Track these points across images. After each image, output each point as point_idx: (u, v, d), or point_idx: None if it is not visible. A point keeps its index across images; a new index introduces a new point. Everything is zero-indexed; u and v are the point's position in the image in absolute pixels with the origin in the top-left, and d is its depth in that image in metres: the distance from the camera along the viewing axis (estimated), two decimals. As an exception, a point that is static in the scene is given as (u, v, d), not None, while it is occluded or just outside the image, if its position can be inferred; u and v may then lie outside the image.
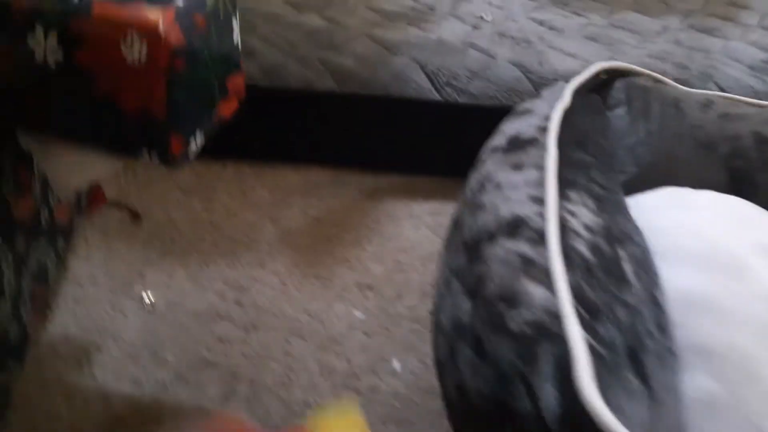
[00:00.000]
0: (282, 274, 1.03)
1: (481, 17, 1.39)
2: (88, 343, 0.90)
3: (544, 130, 0.81)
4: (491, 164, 0.78)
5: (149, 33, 0.59)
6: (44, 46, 0.62)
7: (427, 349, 0.93)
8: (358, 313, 0.97)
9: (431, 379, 0.89)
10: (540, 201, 0.66)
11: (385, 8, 1.41)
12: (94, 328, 0.92)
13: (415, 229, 1.13)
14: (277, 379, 0.87)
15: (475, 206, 0.71)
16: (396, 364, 0.90)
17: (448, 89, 1.17)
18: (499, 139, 0.85)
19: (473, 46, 1.26)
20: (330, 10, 1.39)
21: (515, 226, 0.63)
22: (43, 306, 0.92)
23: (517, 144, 0.80)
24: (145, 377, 0.86)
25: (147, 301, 0.96)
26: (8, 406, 0.80)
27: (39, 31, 0.61)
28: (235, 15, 0.72)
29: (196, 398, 0.84)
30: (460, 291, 0.61)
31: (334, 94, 1.18)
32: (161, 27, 0.59)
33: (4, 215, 0.77)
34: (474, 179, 0.80)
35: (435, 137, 1.21)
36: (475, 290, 0.59)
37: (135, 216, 1.10)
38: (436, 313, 0.69)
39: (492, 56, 1.23)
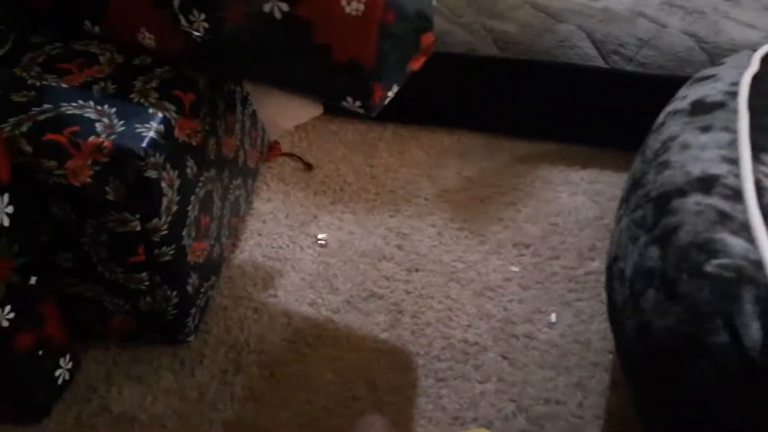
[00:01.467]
0: (439, 226, 1.09)
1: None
2: (271, 269, 1.01)
3: (732, 94, 0.80)
4: (674, 126, 0.78)
5: (368, -15, 0.66)
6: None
7: (583, 307, 0.95)
8: (513, 268, 1.01)
9: (588, 334, 0.92)
10: (732, 161, 0.67)
11: (547, -23, 1.41)
12: (276, 257, 1.03)
13: (571, 195, 1.14)
14: (438, 316, 0.94)
15: (660, 165, 0.72)
16: (552, 317, 0.93)
17: (615, 57, 1.16)
18: (680, 103, 0.84)
19: (642, 14, 1.23)
20: (491, -21, 1.41)
21: (708, 183, 0.64)
22: (236, 236, 1.05)
23: (702, 107, 0.79)
24: (321, 301, 0.96)
25: (321, 238, 1.06)
26: (207, 311, 0.94)
27: (271, -15, 0.70)
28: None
29: (366, 324, 0.93)
30: (647, 241, 0.64)
31: (496, 59, 1.21)
32: (380, -19, 0.66)
33: (218, 151, 0.88)
34: (654, 140, 0.80)
35: (597, 106, 1.20)
36: (665, 240, 0.61)
37: (308, 166, 1.21)
38: (613, 263, 0.71)
39: (663, 25, 1.20)
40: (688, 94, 0.86)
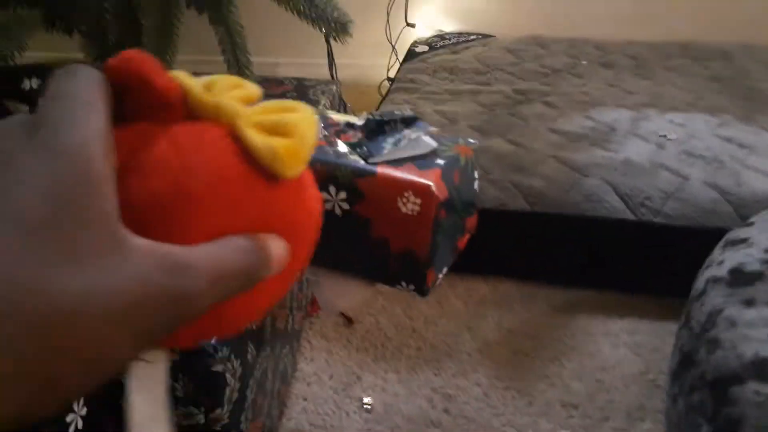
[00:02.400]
0: (484, 386, 1.09)
1: (665, 136, 1.44)
2: (319, 440, 1.01)
3: (768, 264, 0.83)
4: (717, 297, 0.81)
5: (423, 192, 0.72)
6: (335, 199, 0.77)
7: (640, 476, 0.93)
8: (564, 432, 1.00)
9: None
10: (783, 342, 0.68)
11: (566, 129, 1.51)
12: (322, 425, 1.03)
13: (613, 348, 1.15)
14: (492, 492, 0.92)
15: (710, 343, 0.73)
16: (610, 489, 0.91)
17: (643, 210, 1.21)
18: (717, 270, 0.87)
19: (663, 166, 1.30)
20: (512, 134, 1.50)
21: (763, 369, 0.65)
22: (283, 403, 1.05)
23: (742, 277, 0.82)
24: (370, 477, 0.95)
25: (367, 402, 1.06)
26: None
27: (332, 188, 0.77)
28: (476, 168, 0.85)
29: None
30: None
31: (526, 213, 1.27)
32: (434, 188, 0.72)
33: (273, 327, 0.92)
34: (698, 311, 0.82)
35: (628, 255, 1.24)
36: (730, 432, 0.61)
37: (349, 321, 1.24)
38: (675, 447, 0.71)
39: (684, 177, 1.26)
40: (724, 259, 0.89)
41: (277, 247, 0.25)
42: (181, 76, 0.27)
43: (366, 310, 1.27)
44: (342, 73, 2.10)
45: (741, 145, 1.37)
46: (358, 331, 1.22)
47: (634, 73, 1.83)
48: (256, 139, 0.26)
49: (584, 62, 1.91)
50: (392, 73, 2.08)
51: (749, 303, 0.76)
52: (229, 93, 0.28)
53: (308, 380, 1.12)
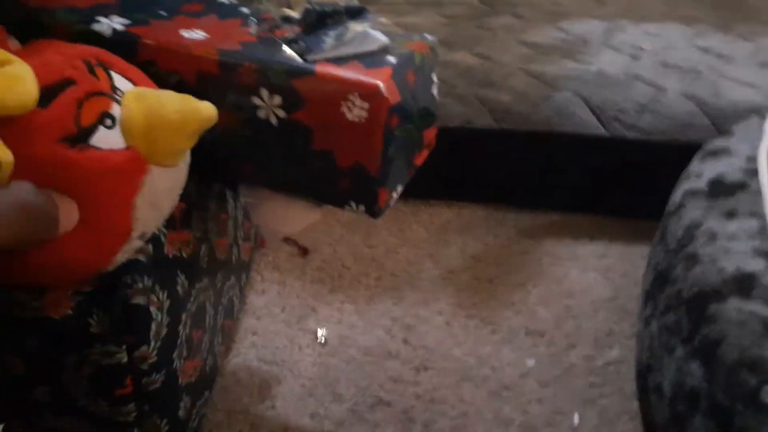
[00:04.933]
0: (446, 314, 1.03)
1: (640, 47, 1.34)
2: (268, 375, 0.94)
3: (751, 172, 0.76)
4: (695, 210, 0.74)
5: (371, 94, 0.62)
6: (269, 105, 0.66)
7: (607, 404, 0.89)
8: (529, 361, 0.95)
9: (616, 435, 0.84)
10: (767, 255, 0.62)
11: (536, 41, 1.39)
12: (272, 360, 0.96)
13: (581, 272, 1.09)
14: (452, 425, 0.87)
15: (687, 258, 0.67)
16: (575, 419, 0.86)
17: (616, 124, 1.13)
18: (696, 182, 0.80)
19: (638, 77, 1.21)
20: (480, 47, 1.39)
21: (745, 284, 0.58)
22: (229, 339, 0.98)
23: (722, 188, 0.75)
24: (323, 412, 0.89)
25: (320, 335, 0.99)
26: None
27: (264, 92, 0.66)
28: (436, 68, 0.74)
29: (375, 438, 0.85)
30: (687, 354, 0.58)
31: (493, 131, 1.18)
32: (383, 88, 0.62)
33: (210, 256, 0.82)
34: (675, 225, 0.76)
35: (599, 174, 1.16)
36: (708, 355, 0.55)
37: (304, 251, 1.15)
38: (646, 373, 0.65)
39: (660, 88, 1.17)
40: (703, 171, 0.82)
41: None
42: None
43: (323, 240, 1.18)
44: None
45: (719, 55, 1.28)
46: (313, 261, 1.14)
47: (608, -17, 1.70)
48: None
49: (556, -27, 1.77)
50: (351, -12, 1.92)
51: (730, 215, 0.69)
52: None
53: (258, 314, 1.04)
